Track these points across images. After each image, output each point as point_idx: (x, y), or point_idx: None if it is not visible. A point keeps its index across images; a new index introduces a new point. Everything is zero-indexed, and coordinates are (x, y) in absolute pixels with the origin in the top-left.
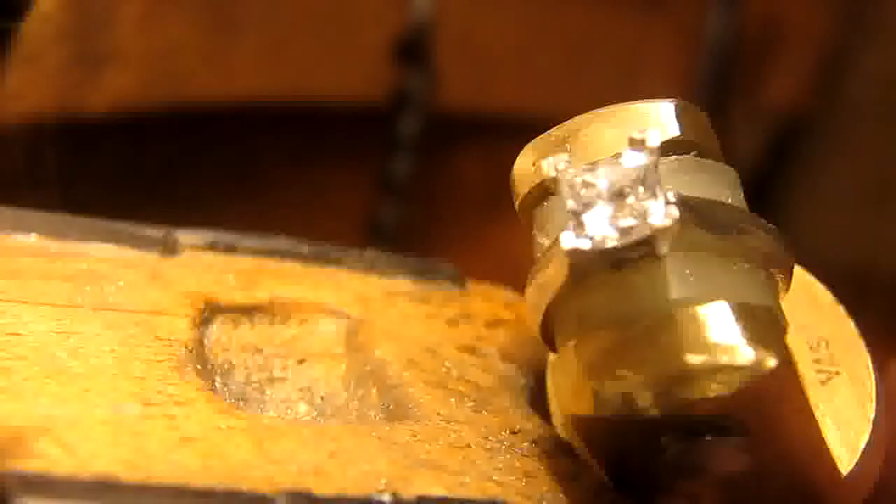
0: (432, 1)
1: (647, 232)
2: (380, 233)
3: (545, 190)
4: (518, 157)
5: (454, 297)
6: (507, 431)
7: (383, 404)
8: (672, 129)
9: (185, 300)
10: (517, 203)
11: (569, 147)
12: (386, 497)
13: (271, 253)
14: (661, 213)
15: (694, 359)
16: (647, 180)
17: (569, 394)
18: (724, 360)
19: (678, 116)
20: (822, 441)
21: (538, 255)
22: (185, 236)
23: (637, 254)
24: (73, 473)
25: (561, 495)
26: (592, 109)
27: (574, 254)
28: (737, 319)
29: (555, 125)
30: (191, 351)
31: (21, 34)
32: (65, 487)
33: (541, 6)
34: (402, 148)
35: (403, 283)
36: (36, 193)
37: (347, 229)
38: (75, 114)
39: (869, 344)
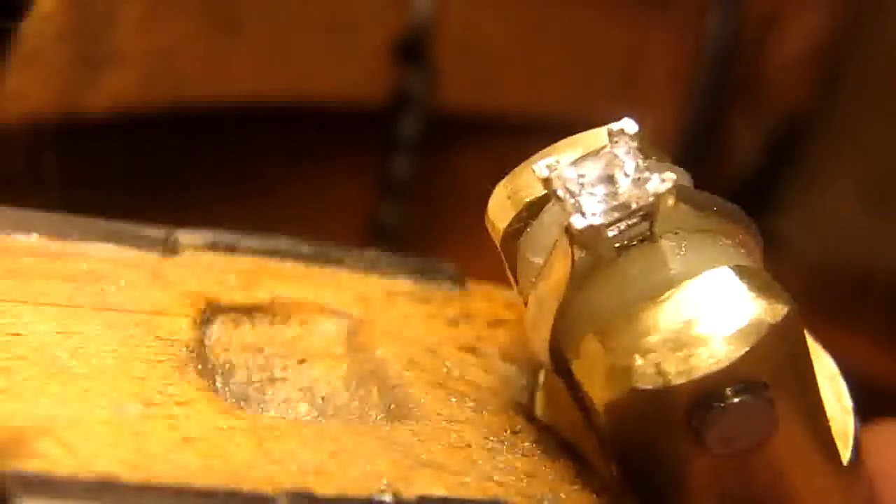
0: (432, 1)
1: (650, 199)
2: (380, 233)
3: (525, 218)
4: (490, 199)
5: (455, 297)
6: (508, 431)
7: (384, 404)
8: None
9: (186, 300)
10: (498, 240)
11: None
12: (387, 497)
13: (272, 253)
14: (657, 181)
15: (706, 324)
16: (636, 162)
17: (601, 382)
18: (736, 317)
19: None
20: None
21: (531, 279)
22: (185, 236)
23: (635, 233)
24: (74, 473)
25: (562, 495)
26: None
27: (587, 232)
28: (740, 278)
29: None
30: (192, 351)
31: (21, 34)
32: (65, 487)
33: (541, 6)
34: (402, 148)
35: (404, 283)
36: (36, 193)
37: (347, 229)
38: (75, 114)
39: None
